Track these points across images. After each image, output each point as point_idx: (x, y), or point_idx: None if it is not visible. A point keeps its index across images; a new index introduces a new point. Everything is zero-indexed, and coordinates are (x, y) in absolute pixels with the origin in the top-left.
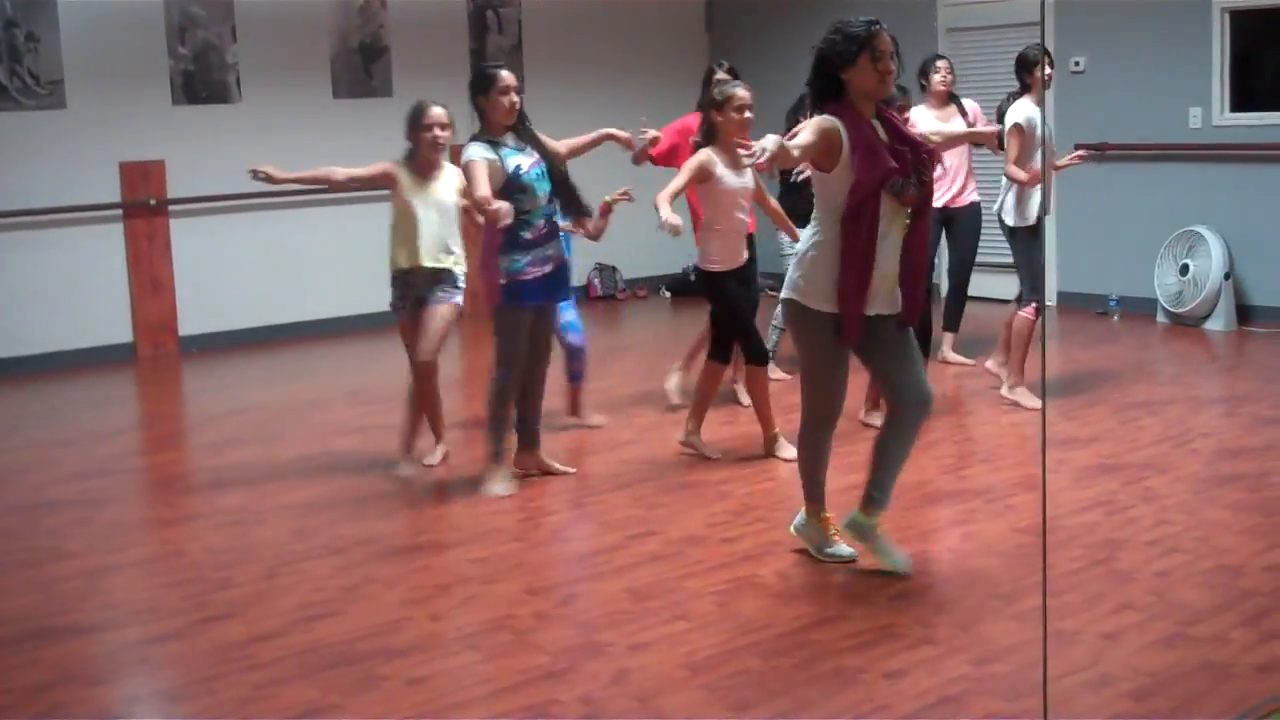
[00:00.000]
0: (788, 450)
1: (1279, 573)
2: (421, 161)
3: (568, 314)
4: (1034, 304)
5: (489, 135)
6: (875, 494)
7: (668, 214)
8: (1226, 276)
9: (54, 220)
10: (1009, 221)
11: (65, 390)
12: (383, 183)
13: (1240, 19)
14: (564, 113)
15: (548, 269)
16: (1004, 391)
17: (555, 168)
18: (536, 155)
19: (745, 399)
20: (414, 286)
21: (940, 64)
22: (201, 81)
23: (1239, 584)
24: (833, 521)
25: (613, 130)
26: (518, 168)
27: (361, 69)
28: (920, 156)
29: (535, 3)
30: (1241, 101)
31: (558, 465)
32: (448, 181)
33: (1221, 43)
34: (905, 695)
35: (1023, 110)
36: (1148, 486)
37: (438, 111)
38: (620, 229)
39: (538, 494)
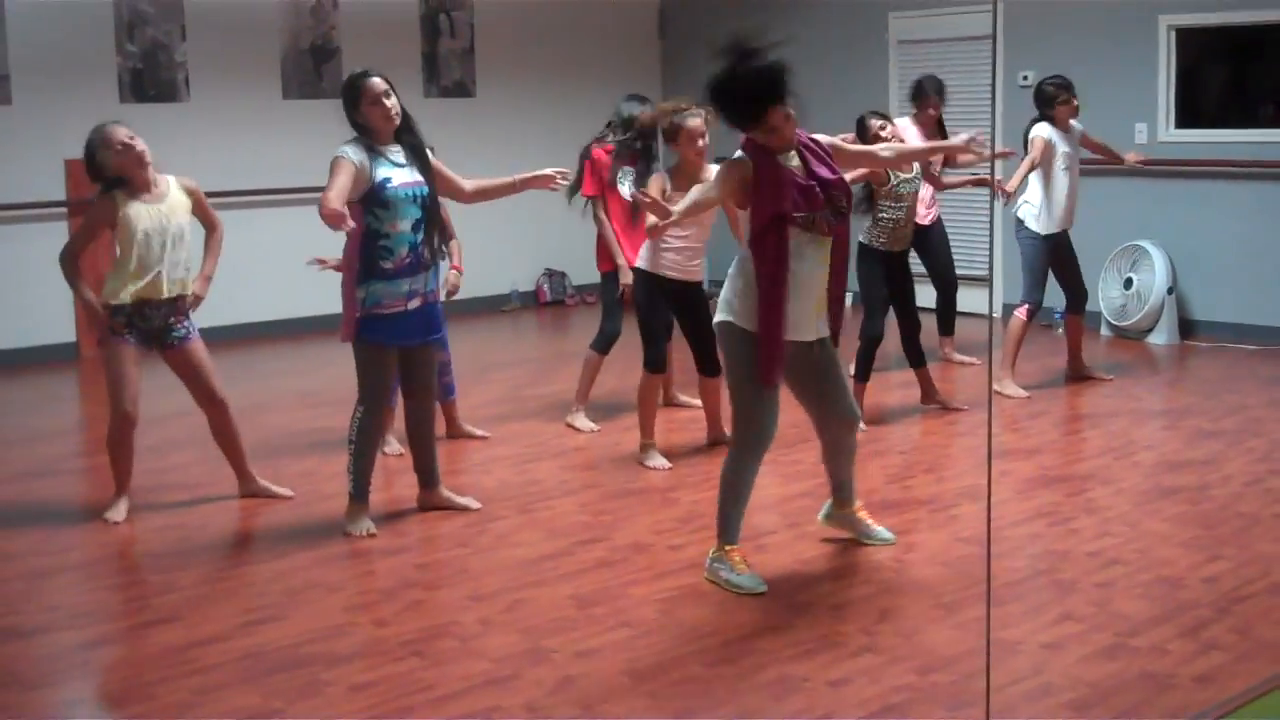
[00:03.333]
0: (657, 460)
1: (1218, 584)
2: (138, 181)
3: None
4: (1027, 305)
5: (370, 140)
6: (842, 493)
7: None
8: (1169, 291)
9: None
10: (1033, 227)
11: (6, 389)
12: (101, 228)
13: (1186, 36)
14: (516, 117)
15: (411, 305)
16: (996, 386)
17: (433, 196)
18: (420, 177)
19: (692, 400)
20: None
21: (933, 97)
22: (150, 80)
23: (1179, 595)
24: (743, 554)
25: (532, 175)
26: (386, 180)
27: (312, 70)
28: (835, 190)
29: (488, 6)
30: (1187, 118)
31: (459, 500)
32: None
33: (1167, 59)
34: (848, 703)
35: (1043, 130)
36: (1090, 498)
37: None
38: (569, 235)
39: (484, 500)
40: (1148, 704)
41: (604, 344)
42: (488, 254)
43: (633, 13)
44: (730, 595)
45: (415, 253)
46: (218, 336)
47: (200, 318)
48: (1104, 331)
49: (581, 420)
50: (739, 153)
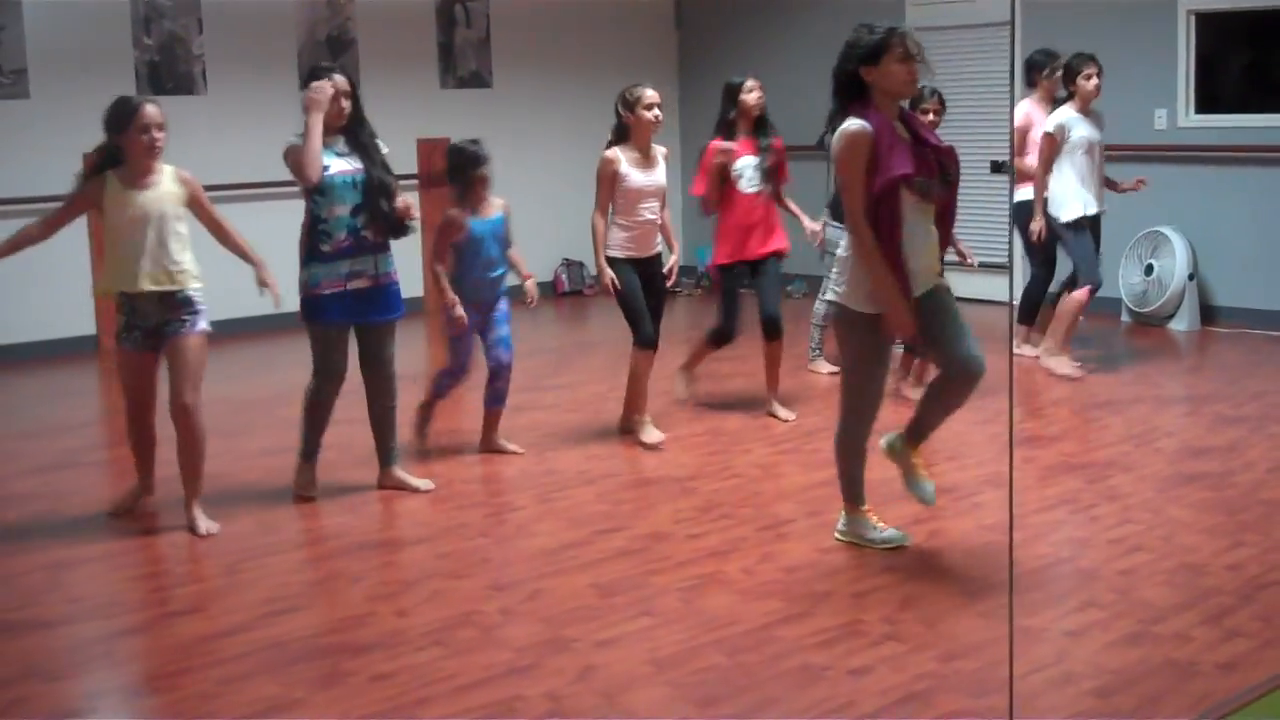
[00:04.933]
0: (653, 434)
1: (1241, 571)
2: (139, 169)
3: (503, 328)
4: (1087, 287)
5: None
6: (916, 433)
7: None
8: (1190, 277)
9: (15, 211)
10: (1062, 218)
11: (27, 382)
12: (85, 208)
13: (1206, 21)
14: (532, 107)
15: (353, 285)
16: (1042, 358)
17: (377, 184)
18: (359, 165)
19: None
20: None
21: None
22: (167, 73)
23: (1202, 582)
24: (872, 511)
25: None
26: (325, 167)
27: (329, 61)
28: (945, 157)
29: None
30: (1206, 103)
31: (412, 481)
32: (165, 187)
33: (1187, 45)
34: (870, 692)
35: (1056, 117)
36: (1112, 485)
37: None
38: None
39: (503, 489)
40: (1171, 691)
41: (719, 339)
42: None
43: (649, 2)
44: (751, 583)
45: (355, 236)
46: (237, 329)
47: (219, 310)
48: (1124, 318)
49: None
50: (853, 121)
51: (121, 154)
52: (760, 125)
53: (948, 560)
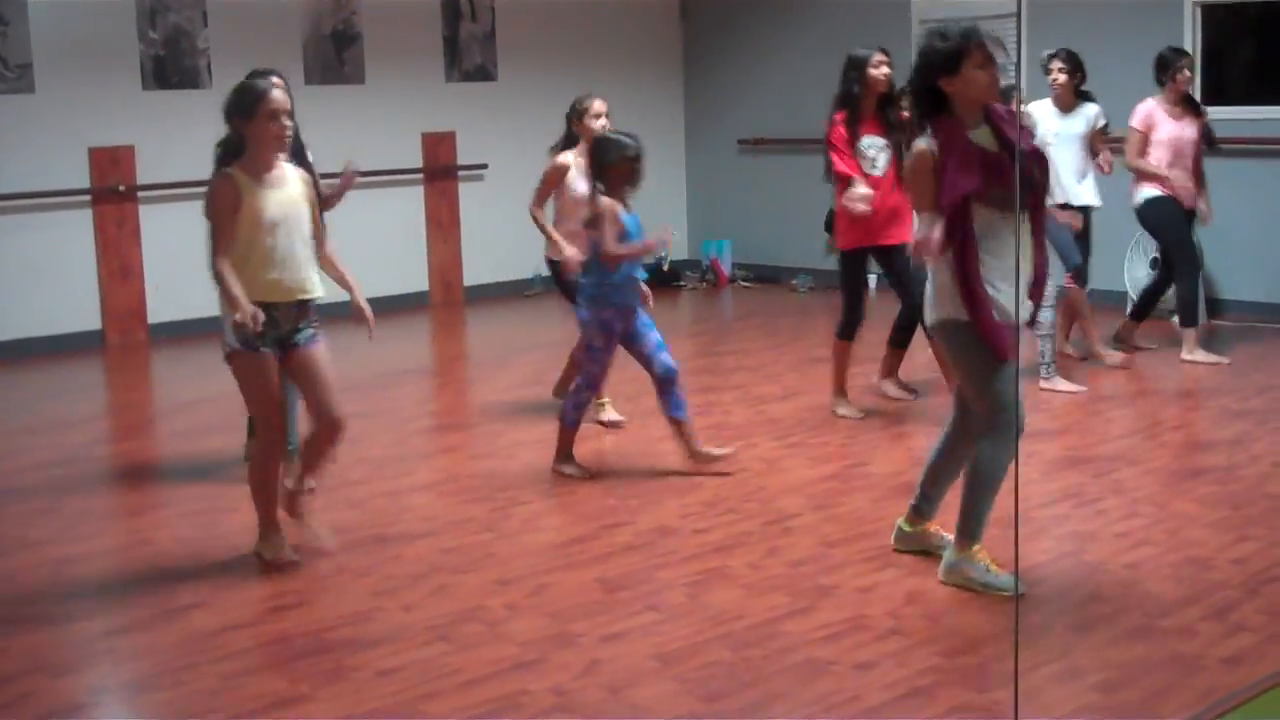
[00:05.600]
0: (610, 414)
1: (1247, 565)
2: (263, 162)
3: (655, 332)
4: (1068, 273)
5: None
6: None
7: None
8: None
9: (22, 206)
10: (1096, 203)
11: (33, 378)
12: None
13: (1212, 13)
14: (538, 100)
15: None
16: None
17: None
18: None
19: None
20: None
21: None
22: (172, 66)
23: (1207, 576)
24: (984, 551)
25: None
26: None
27: (334, 56)
28: (1026, 159)
29: None
30: (1213, 95)
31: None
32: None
33: (1194, 37)
34: (875, 686)
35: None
36: (1117, 479)
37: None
38: None
39: (509, 484)
40: (1176, 686)
41: (848, 330)
42: (511, 238)
43: None
44: (756, 578)
45: None
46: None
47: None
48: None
49: (845, 408)
50: (920, 142)
51: (248, 147)
52: (886, 102)
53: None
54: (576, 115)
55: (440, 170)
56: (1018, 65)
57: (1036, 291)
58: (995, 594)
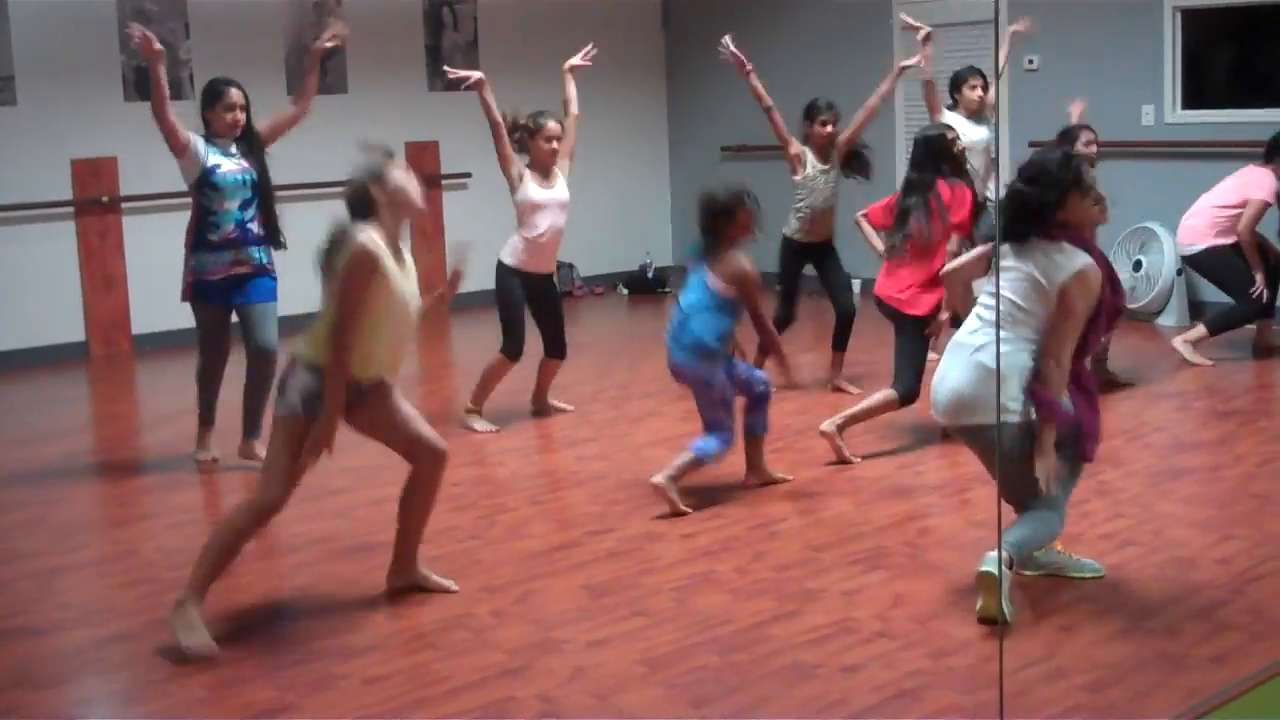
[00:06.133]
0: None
1: (1231, 565)
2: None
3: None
4: None
5: (211, 135)
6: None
7: None
8: (1179, 273)
9: (4, 218)
10: None
11: (16, 390)
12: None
13: (1192, 17)
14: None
15: (234, 271)
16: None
17: (267, 187)
18: (246, 164)
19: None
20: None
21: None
22: None
23: (1192, 576)
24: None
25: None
26: (216, 166)
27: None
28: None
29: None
30: (1193, 99)
31: (254, 464)
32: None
33: (1173, 41)
34: (862, 689)
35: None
36: (1102, 480)
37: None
38: (576, 227)
39: (494, 492)
40: (1162, 685)
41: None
42: (495, 246)
43: (636, 3)
44: (743, 582)
45: (241, 228)
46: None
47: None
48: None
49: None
50: (1083, 258)
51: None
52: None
53: (938, 557)
54: (529, 132)
55: (424, 179)
56: (996, 73)
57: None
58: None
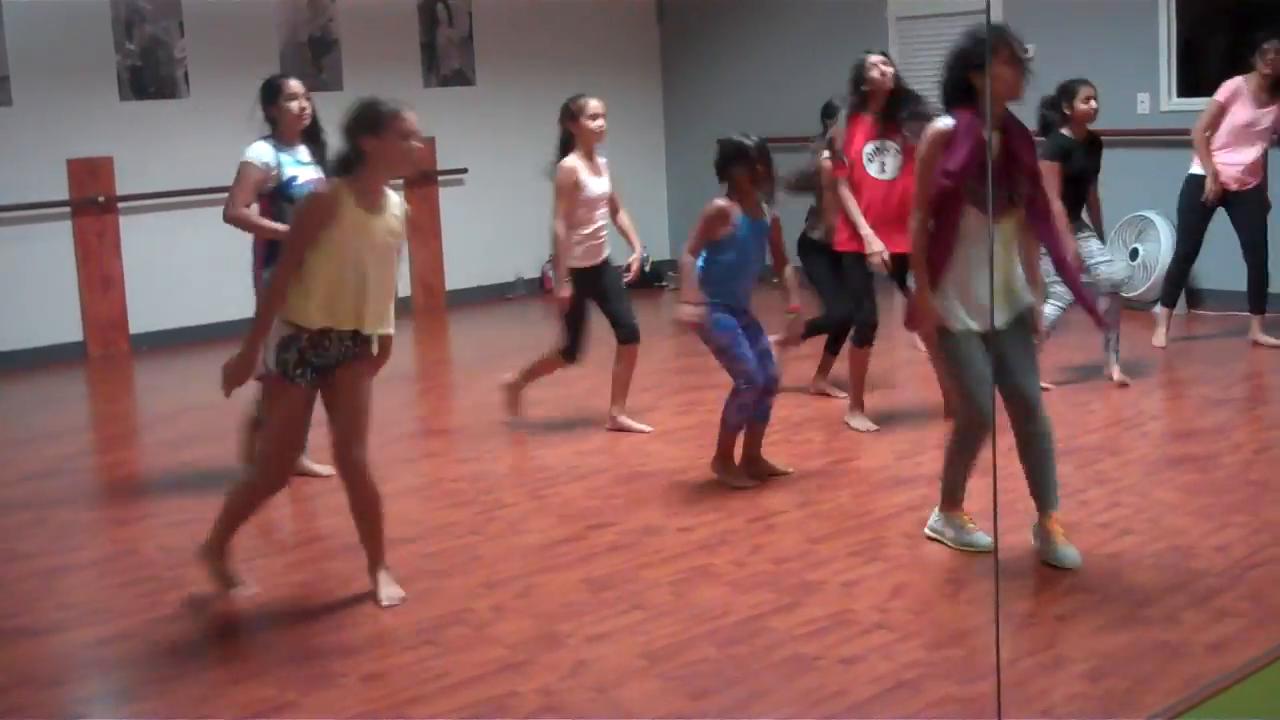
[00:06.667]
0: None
1: (1229, 552)
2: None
3: (765, 338)
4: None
5: (279, 140)
6: (1043, 498)
7: None
8: None
9: (0, 219)
10: None
11: (15, 390)
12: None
13: (1187, 5)
14: (516, 104)
15: None
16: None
17: None
18: (321, 173)
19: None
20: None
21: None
22: (149, 76)
23: (1190, 564)
24: (969, 514)
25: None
26: (292, 178)
27: (311, 62)
28: (1017, 173)
29: None
30: (1188, 87)
31: (316, 467)
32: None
33: (1168, 29)
34: (861, 680)
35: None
36: (1099, 469)
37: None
38: None
39: (493, 487)
40: (1161, 673)
41: (863, 335)
42: (492, 241)
43: None
44: (741, 575)
45: None
46: (229, 332)
47: (204, 314)
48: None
49: (859, 420)
50: (941, 119)
51: (372, 168)
52: (894, 105)
53: (936, 548)
54: (570, 116)
55: (420, 175)
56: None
57: (1066, 276)
58: (971, 551)
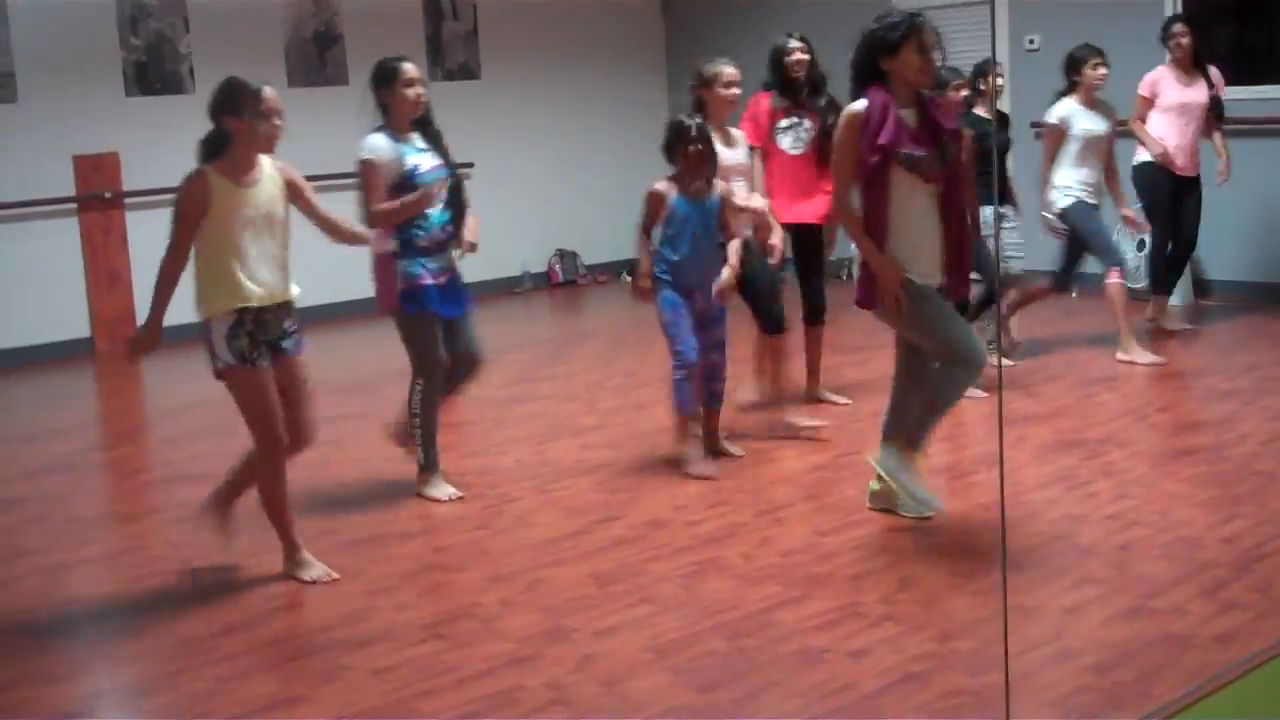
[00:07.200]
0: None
1: (1236, 543)
2: (246, 162)
3: (718, 329)
4: (1114, 268)
5: (393, 130)
6: (916, 437)
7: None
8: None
9: (7, 215)
10: (1060, 205)
11: (22, 386)
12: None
13: None
14: (521, 97)
15: (441, 280)
16: (1119, 355)
17: (456, 176)
18: (439, 159)
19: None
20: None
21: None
22: (154, 72)
23: (1198, 556)
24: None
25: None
26: (415, 167)
27: (316, 57)
28: (946, 135)
29: None
30: None
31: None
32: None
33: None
34: (869, 673)
35: (1059, 109)
36: (1107, 461)
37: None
38: (580, 215)
39: (500, 481)
40: (1169, 665)
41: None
42: (498, 236)
43: None
44: (749, 568)
45: (445, 231)
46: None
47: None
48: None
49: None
50: (854, 103)
51: (237, 148)
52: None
53: (944, 540)
54: (704, 83)
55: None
56: (993, 47)
57: (950, 264)
58: (914, 511)
